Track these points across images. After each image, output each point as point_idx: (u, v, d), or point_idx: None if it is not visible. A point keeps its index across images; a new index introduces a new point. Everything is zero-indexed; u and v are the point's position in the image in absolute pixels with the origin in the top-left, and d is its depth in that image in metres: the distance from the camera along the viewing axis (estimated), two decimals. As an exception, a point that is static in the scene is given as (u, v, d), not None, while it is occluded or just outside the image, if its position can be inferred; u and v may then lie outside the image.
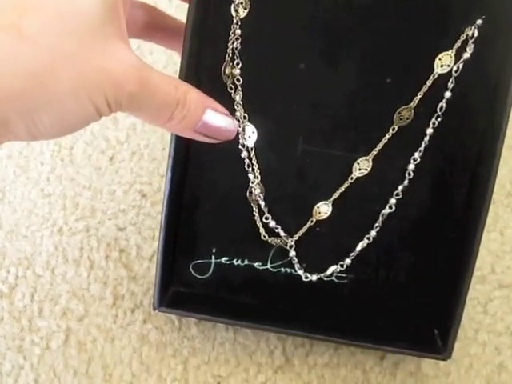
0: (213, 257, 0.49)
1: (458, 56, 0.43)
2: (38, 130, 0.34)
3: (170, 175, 0.45)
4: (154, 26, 0.47)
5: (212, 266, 0.49)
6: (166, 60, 0.61)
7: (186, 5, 0.43)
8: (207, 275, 0.49)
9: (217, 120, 0.40)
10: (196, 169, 0.47)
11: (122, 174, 0.58)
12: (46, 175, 0.58)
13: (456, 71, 0.44)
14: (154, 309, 0.48)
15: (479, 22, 0.43)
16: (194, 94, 0.39)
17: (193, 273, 0.49)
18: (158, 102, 0.37)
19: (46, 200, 0.57)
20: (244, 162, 0.46)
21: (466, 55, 0.43)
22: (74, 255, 0.55)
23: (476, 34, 0.43)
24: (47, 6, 0.33)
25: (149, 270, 0.55)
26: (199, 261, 0.49)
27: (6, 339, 0.53)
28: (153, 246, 0.56)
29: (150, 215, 0.57)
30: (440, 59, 0.43)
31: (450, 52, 0.43)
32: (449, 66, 0.43)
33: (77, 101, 0.33)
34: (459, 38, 0.43)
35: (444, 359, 0.47)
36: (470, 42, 0.43)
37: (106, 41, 0.34)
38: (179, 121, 0.38)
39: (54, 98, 0.33)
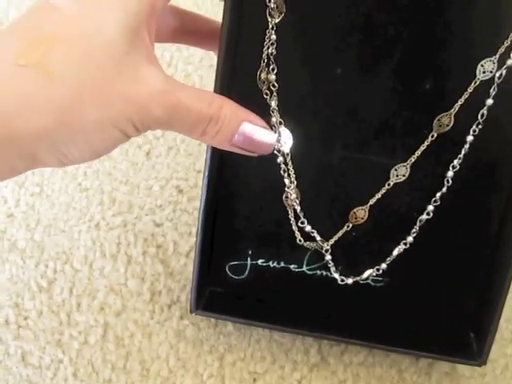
0: (249, 258, 0.49)
1: (501, 62, 0.42)
2: (68, 158, 0.34)
3: (206, 182, 0.45)
4: (186, 31, 0.47)
5: (248, 267, 0.49)
6: (201, 54, 0.60)
7: (216, 7, 0.42)
8: (243, 276, 0.49)
9: (254, 133, 0.40)
10: (232, 174, 0.47)
11: (159, 169, 0.58)
12: (83, 170, 0.59)
13: (499, 78, 0.42)
14: (191, 312, 0.48)
15: (525, 26, 0.41)
16: (228, 108, 0.38)
17: (229, 273, 0.49)
18: (188, 121, 0.36)
19: (84, 194, 0.58)
20: (280, 167, 0.45)
21: (510, 62, 0.42)
22: (111, 250, 0.56)
23: (521, 40, 0.41)
24: (72, 39, 0.33)
25: (185, 266, 0.56)
26: (235, 262, 0.49)
27: (46, 333, 0.54)
28: (189, 241, 0.56)
29: (186, 211, 0.57)
30: (482, 65, 0.42)
31: (493, 58, 0.42)
32: (491, 72, 0.42)
33: (103, 131, 0.34)
34: (503, 44, 0.42)
35: (479, 365, 0.47)
36: (515, 47, 0.42)
37: (133, 67, 0.34)
38: (213, 136, 0.38)
39: (80, 132, 0.33)
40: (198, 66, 0.60)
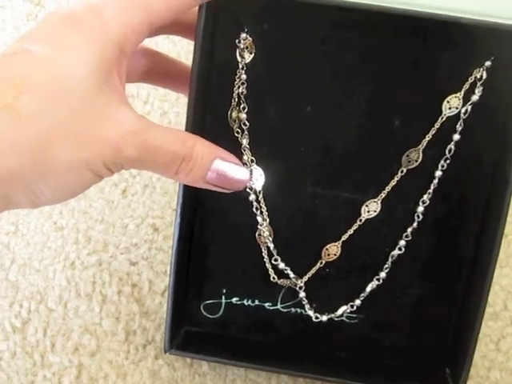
0: (223, 297, 0.49)
1: (466, 98, 0.43)
2: (40, 199, 0.34)
3: (178, 220, 0.45)
4: (157, 71, 0.47)
5: (222, 306, 0.49)
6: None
7: (191, 46, 0.42)
8: (218, 315, 0.49)
9: (227, 170, 0.40)
10: (204, 213, 0.47)
11: (135, 207, 0.58)
12: (58, 208, 0.59)
13: (464, 113, 0.43)
14: (165, 351, 0.48)
15: (488, 64, 0.42)
16: (201, 146, 0.38)
17: (203, 313, 0.49)
18: (161, 160, 0.37)
19: (59, 233, 0.58)
20: (252, 205, 0.46)
21: (475, 97, 0.43)
22: (86, 289, 0.56)
23: (484, 77, 0.42)
24: (43, 84, 0.33)
25: (161, 305, 0.55)
26: (210, 301, 0.49)
27: (19, 375, 0.53)
28: (165, 280, 0.56)
29: (162, 249, 0.57)
30: (448, 102, 0.43)
31: (458, 94, 0.43)
32: (457, 108, 0.43)
33: (75, 172, 0.34)
34: (467, 81, 0.43)
35: (455, 401, 0.46)
36: (479, 84, 0.42)
37: (104, 108, 0.34)
38: (186, 174, 0.38)
39: (52, 173, 0.33)
40: (174, 104, 0.61)
